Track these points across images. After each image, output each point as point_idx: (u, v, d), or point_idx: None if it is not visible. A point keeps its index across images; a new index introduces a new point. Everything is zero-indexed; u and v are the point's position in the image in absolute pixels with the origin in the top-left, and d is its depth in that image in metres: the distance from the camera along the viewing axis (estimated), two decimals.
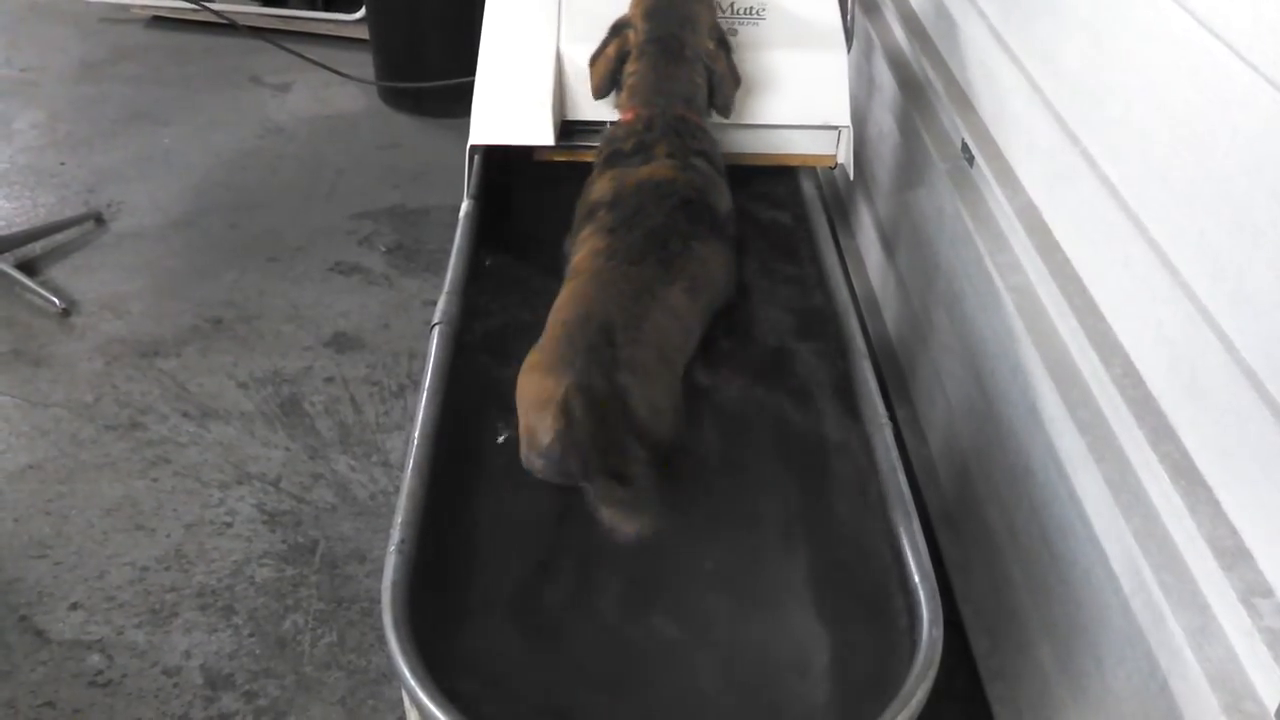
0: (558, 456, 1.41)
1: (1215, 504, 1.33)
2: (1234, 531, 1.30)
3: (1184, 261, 1.44)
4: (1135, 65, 1.59)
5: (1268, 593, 1.22)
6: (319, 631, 2.09)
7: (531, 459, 1.48)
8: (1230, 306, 1.32)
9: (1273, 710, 1.16)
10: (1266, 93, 1.25)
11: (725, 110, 2.02)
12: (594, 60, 2.02)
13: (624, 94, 1.97)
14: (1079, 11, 1.78)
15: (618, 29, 2.00)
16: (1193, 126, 1.42)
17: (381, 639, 1.27)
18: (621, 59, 1.98)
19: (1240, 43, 1.31)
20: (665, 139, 1.81)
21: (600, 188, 1.80)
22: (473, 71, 2.09)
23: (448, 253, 1.97)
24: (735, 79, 2.03)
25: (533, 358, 1.53)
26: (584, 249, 1.68)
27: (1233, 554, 1.27)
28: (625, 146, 1.83)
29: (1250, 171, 1.28)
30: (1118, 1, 1.65)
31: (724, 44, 2.03)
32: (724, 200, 1.81)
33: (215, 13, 4.01)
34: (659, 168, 1.76)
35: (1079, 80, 1.79)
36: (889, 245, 2.74)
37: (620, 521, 1.35)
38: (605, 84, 2.01)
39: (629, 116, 1.91)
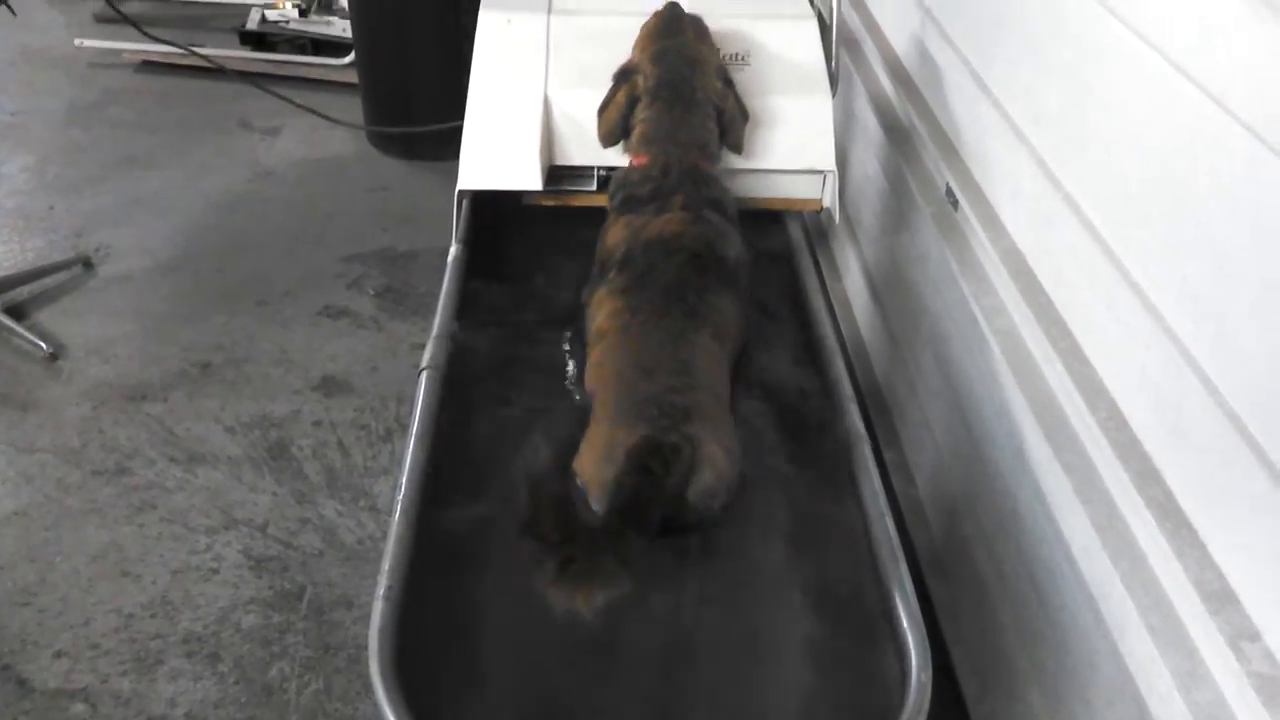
0: (626, 504, 1.39)
1: (1201, 547, 1.34)
2: (1220, 575, 1.30)
3: (1166, 305, 1.45)
4: (1114, 110, 1.62)
5: (1255, 636, 1.22)
6: (305, 679, 2.07)
7: (604, 509, 1.44)
8: (1213, 350, 1.33)
9: None
10: (1242, 136, 1.26)
11: (737, 147, 2.04)
12: (603, 108, 2.02)
13: (635, 139, 1.97)
14: (1060, 56, 1.80)
15: (625, 75, 2.00)
16: (1171, 170, 1.43)
17: (369, 687, 1.26)
18: (631, 104, 1.98)
19: (1215, 87, 1.33)
20: (682, 189, 1.82)
21: (614, 236, 1.80)
22: (461, 116, 2.11)
23: (436, 296, 1.97)
24: (744, 115, 2.05)
25: (600, 412, 1.53)
26: (602, 312, 1.69)
27: (1219, 597, 1.28)
28: (642, 192, 1.83)
29: (1229, 215, 1.30)
30: (1097, 47, 1.67)
31: (729, 82, 2.04)
32: (734, 249, 1.80)
33: (204, 58, 4.04)
34: (670, 221, 1.76)
35: (1060, 124, 1.81)
36: (875, 289, 2.76)
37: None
38: (616, 131, 2.01)
39: (643, 161, 1.91)
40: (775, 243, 2.22)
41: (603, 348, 1.64)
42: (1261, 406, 1.24)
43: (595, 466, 1.46)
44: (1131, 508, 1.45)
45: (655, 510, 1.37)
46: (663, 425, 1.43)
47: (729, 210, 1.86)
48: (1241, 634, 1.23)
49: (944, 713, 1.92)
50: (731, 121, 2.02)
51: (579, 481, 1.48)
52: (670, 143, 1.90)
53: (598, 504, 1.45)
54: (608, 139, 2.03)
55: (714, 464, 1.44)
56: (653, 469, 1.38)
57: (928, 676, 1.30)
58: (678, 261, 1.69)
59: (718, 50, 2.10)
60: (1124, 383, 1.57)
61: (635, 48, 2.04)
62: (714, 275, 1.70)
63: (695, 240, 1.73)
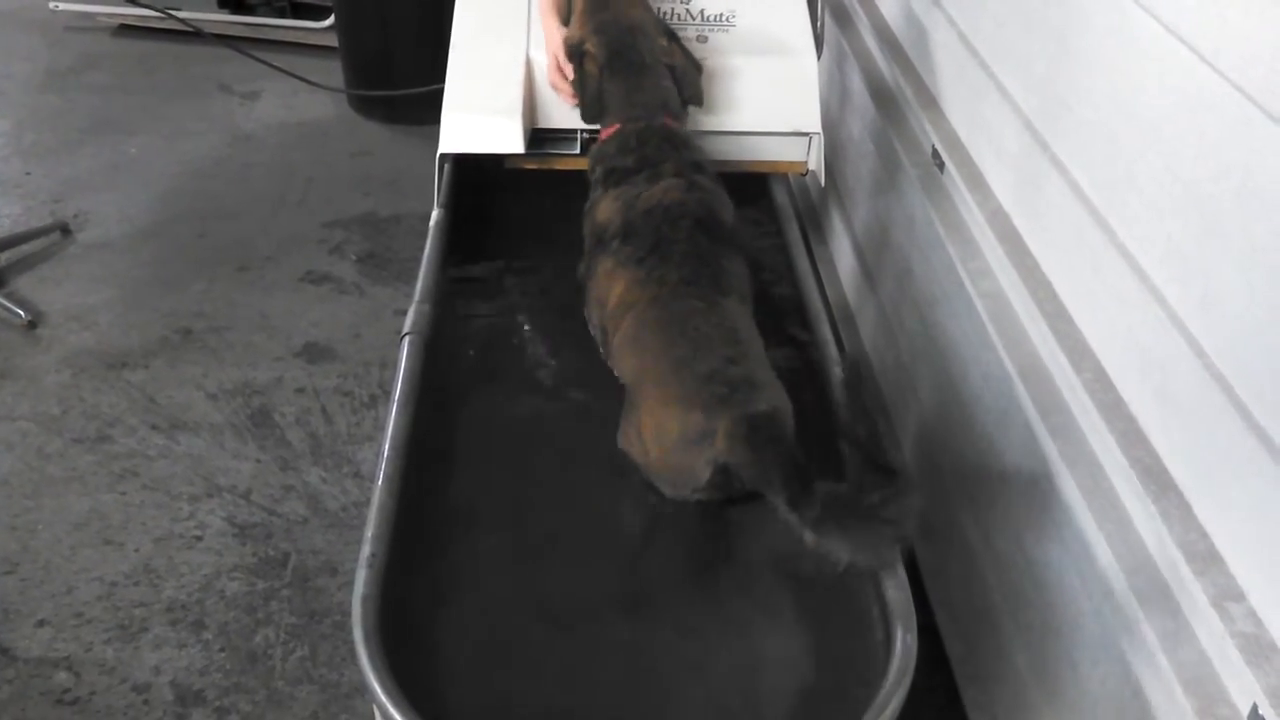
0: (720, 485, 1.42)
1: (1186, 508, 1.34)
2: (1205, 535, 1.30)
3: (1153, 266, 1.44)
4: (1103, 71, 1.60)
5: (1239, 597, 1.23)
6: (290, 646, 2.07)
7: (684, 493, 1.48)
8: (1199, 311, 1.33)
9: (1245, 714, 1.16)
10: (1232, 98, 1.25)
11: (697, 99, 2.01)
12: (580, 87, 1.98)
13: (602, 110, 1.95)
14: (1047, 17, 1.79)
15: (580, 51, 1.96)
16: (1160, 131, 1.42)
17: (354, 653, 1.26)
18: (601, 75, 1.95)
19: (1206, 48, 1.32)
20: (668, 155, 1.80)
21: (606, 209, 1.77)
22: (443, 79, 2.08)
23: (419, 261, 1.96)
24: (697, 66, 2.03)
25: (659, 392, 1.50)
26: (619, 283, 1.65)
27: (1204, 558, 1.28)
28: (626, 162, 1.80)
29: (1217, 176, 1.29)
30: (1085, 7, 1.66)
31: (673, 37, 2.03)
32: (727, 211, 1.79)
33: (182, 21, 3.98)
34: (669, 190, 1.74)
35: (1047, 86, 1.79)
36: (862, 252, 2.75)
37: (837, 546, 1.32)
38: (596, 102, 1.96)
39: (613, 130, 1.89)
40: (761, 205, 2.21)
41: (634, 320, 1.60)
42: (1247, 368, 1.23)
43: (673, 453, 1.45)
44: (1117, 469, 1.45)
45: (799, 470, 1.36)
46: (738, 400, 1.41)
47: (710, 171, 1.85)
48: (1226, 594, 1.23)
49: (929, 674, 1.93)
50: (685, 75, 1.99)
51: (638, 463, 1.49)
52: (633, 107, 1.89)
53: (674, 489, 1.47)
54: (595, 112, 1.97)
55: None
56: (773, 439, 1.38)
57: (913, 639, 1.30)
58: (686, 228, 1.67)
59: (650, 7, 2.07)
60: (1110, 345, 1.56)
61: (574, 24, 2.01)
62: (720, 240, 1.69)
63: (696, 207, 1.71)
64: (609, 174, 1.82)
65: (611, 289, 1.66)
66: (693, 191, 1.74)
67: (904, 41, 2.55)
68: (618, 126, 1.88)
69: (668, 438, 1.46)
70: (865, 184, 2.72)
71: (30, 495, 2.39)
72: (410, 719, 1.17)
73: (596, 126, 2.01)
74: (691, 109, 2.01)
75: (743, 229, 1.80)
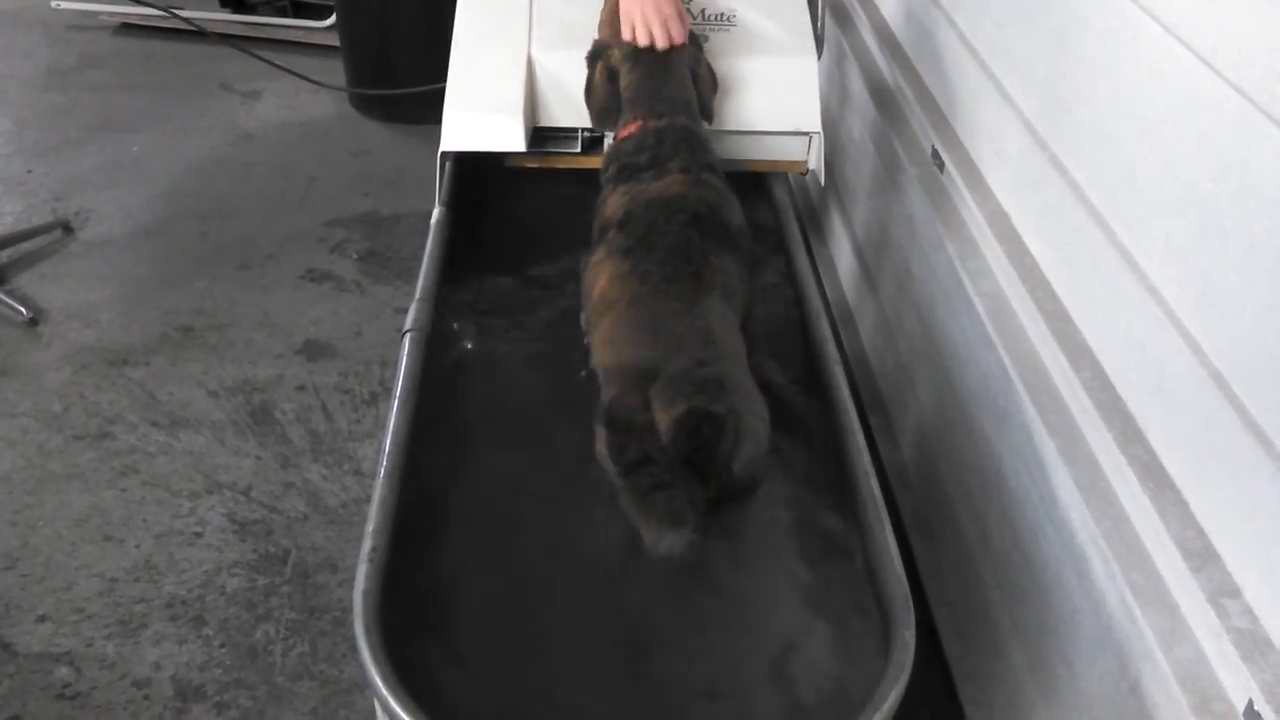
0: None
1: (1183, 505, 1.34)
2: (1202, 533, 1.31)
3: (1151, 265, 1.45)
4: (1102, 71, 1.61)
5: (1235, 593, 1.23)
6: (291, 641, 2.07)
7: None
8: (1197, 310, 1.34)
9: (1241, 710, 1.17)
10: (1231, 97, 1.26)
11: (708, 114, 1.99)
12: (589, 93, 1.97)
13: (623, 107, 1.93)
14: (1047, 18, 1.79)
15: (597, 54, 1.96)
16: (1159, 131, 1.43)
17: (354, 648, 1.26)
18: (613, 78, 1.93)
19: (1205, 48, 1.32)
20: (679, 153, 1.77)
21: (613, 204, 1.75)
22: (444, 78, 2.08)
23: (420, 259, 1.96)
24: (714, 82, 2.02)
25: (615, 393, 1.45)
26: (603, 275, 1.61)
27: (1201, 555, 1.28)
28: (639, 160, 1.78)
29: (1216, 176, 1.29)
30: (1084, 8, 1.66)
31: (699, 45, 2.01)
32: (736, 215, 1.74)
33: (184, 20, 3.99)
34: (671, 183, 1.71)
35: (1047, 86, 1.80)
36: (861, 251, 2.76)
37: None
38: (610, 108, 1.95)
39: (634, 128, 1.86)
40: (760, 204, 2.21)
41: (613, 320, 1.55)
42: (1245, 366, 1.24)
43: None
44: (1114, 467, 1.46)
45: (711, 477, 1.32)
46: (702, 399, 1.36)
47: (722, 174, 1.82)
48: (1222, 591, 1.24)
49: (927, 671, 1.93)
50: (702, 85, 1.97)
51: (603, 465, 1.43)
52: (655, 102, 1.86)
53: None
54: (601, 119, 1.98)
55: (754, 435, 1.39)
56: (705, 434, 1.32)
57: (911, 636, 1.31)
58: (680, 221, 1.63)
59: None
60: (1108, 343, 1.57)
61: (602, 26, 2.01)
62: (716, 237, 1.65)
63: (697, 202, 1.68)
64: (621, 170, 1.80)
65: (597, 281, 1.62)
66: (698, 187, 1.71)
67: (904, 42, 2.56)
68: (638, 124, 1.86)
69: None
70: (865, 184, 2.73)
71: (31, 491, 2.39)
72: (412, 714, 1.18)
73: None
74: None
75: (748, 239, 1.75)
